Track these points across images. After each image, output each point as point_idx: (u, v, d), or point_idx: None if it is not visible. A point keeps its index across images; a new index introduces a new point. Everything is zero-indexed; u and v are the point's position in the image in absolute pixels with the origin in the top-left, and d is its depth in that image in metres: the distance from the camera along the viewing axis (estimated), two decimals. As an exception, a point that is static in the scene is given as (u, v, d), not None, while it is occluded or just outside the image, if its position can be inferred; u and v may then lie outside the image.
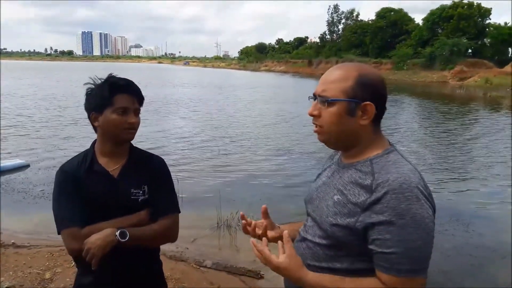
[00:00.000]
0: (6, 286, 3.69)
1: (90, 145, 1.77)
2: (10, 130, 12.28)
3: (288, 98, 23.16)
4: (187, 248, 4.95)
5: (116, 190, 1.67)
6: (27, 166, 8.36)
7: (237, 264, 4.45)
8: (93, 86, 1.68)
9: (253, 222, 1.53)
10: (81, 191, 1.64)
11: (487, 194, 7.39)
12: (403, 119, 16.87)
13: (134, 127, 1.68)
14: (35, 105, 18.44)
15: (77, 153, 1.79)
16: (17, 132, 12.04)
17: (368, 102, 1.21)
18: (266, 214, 1.53)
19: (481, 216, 6.27)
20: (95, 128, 1.71)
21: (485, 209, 6.60)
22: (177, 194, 1.84)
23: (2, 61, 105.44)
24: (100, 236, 1.55)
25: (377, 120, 1.25)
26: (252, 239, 1.27)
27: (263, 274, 4.16)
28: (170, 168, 1.87)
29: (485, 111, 20.02)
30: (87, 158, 1.71)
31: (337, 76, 1.25)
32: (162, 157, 1.90)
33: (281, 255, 1.22)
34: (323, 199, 1.30)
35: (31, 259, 4.34)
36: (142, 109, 1.76)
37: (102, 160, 1.71)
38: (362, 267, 1.20)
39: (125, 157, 1.74)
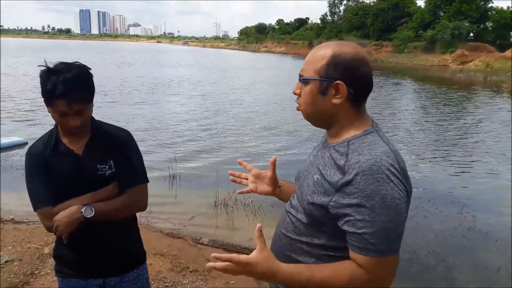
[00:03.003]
0: (5, 260, 3.75)
1: (54, 124, 1.77)
2: (8, 105, 12.25)
3: (287, 80, 23.15)
4: (185, 226, 5.02)
5: (82, 168, 1.72)
6: (25, 143, 8.36)
7: (233, 241, 4.52)
8: (42, 74, 1.62)
9: (251, 168, 1.64)
10: (49, 172, 1.70)
11: (482, 177, 7.44)
12: (402, 102, 16.87)
13: (75, 128, 1.67)
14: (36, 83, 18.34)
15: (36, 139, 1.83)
16: (16, 110, 12.01)
17: (339, 81, 1.21)
18: (272, 166, 1.58)
19: (475, 198, 6.33)
20: None
21: (480, 192, 6.67)
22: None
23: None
24: (66, 213, 1.63)
25: (356, 99, 1.25)
26: (214, 254, 1.21)
27: (259, 252, 4.23)
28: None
29: (484, 95, 19.98)
30: (51, 139, 1.74)
31: (314, 56, 1.27)
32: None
33: (252, 252, 1.19)
34: (306, 178, 1.33)
35: (30, 235, 4.40)
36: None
37: (65, 140, 1.74)
38: (339, 244, 1.22)
39: (88, 134, 1.77)
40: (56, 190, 1.69)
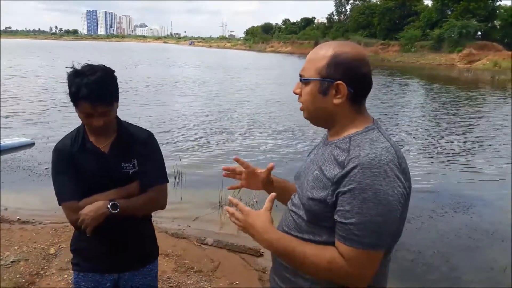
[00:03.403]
0: (11, 260, 3.79)
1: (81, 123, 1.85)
2: (16, 107, 12.36)
3: (292, 80, 22.97)
4: (189, 226, 5.03)
5: (108, 165, 1.81)
6: (32, 144, 8.44)
7: (237, 242, 4.52)
8: (69, 76, 1.71)
9: (248, 165, 1.65)
10: (76, 168, 1.78)
11: (489, 177, 7.39)
12: (408, 101, 16.79)
13: (99, 128, 1.75)
14: (45, 85, 18.48)
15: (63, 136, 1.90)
16: (23, 111, 12.10)
17: (339, 82, 1.23)
18: (267, 171, 1.62)
19: (482, 198, 6.30)
20: None
21: (486, 192, 6.62)
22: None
23: (7, 40, 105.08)
24: (93, 208, 1.71)
25: (356, 99, 1.27)
26: (227, 207, 1.37)
27: (263, 252, 4.24)
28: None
29: (492, 95, 19.82)
30: (78, 137, 1.83)
31: (315, 55, 1.28)
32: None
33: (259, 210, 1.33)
34: (306, 175, 1.34)
35: (36, 235, 4.44)
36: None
37: (92, 138, 1.83)
38: None
39: (114, 133, 1.85)
40: (81, 186, 1.77)
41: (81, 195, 1.76)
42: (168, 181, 1.96)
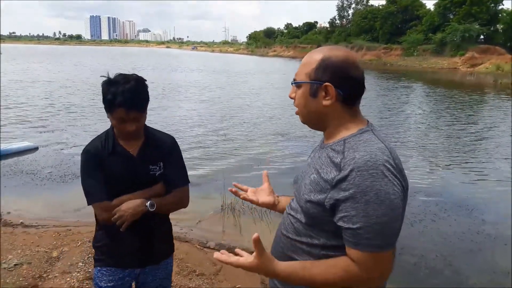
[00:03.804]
0: (14, 263, 3.80)
1: (110, 126, 1.98)
2: (21, 113, 12.42)
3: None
4: (192, 230, 5.04)
5: (136, 168, 1.94)
6: (36, 148, 8.48)
7: (240, 245, 4.52)
8: (103, 84, 1.85)
9: (248, 188, 1.69)
10: (105, 169, 1.90)
11: (492, 180, 7.37)
12: (411, 105, 16.78)
13: (130, 133, 1.88)
14: (49, 90, 18.57)
15: (94, 136, 2.02)
16: (27, 116, 12.16)
17: (327, 84, 1.26)
18: (266, 178, 1.70)
19: (485, 202, 6.27)
20: None
21: (489, 195, 6.60)
22: None
23: (11, 45, 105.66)
24: (131, 205, 1.85)
25: (348, 101, 1.29)
26: (216, 254, 1.28)
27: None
28: None
29: (495, 98, 19.78)
30: (108, 140, 1.94)
31: (306, 60, 1.33)
32: None
33: (251, 256, 1.25)
34: (303, 178, 1.36)
35: (39, 238, 4.46)
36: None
37: (122, 142, 1.95)
38: (337, 243, 1.23)
39: (142, 138, 1.99)
40: (109, 187, 1.88)
41: (110, 196, 1.88)
42: (189, 182, 2.10)
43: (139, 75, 1.91)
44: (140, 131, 1.95)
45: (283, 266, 1.26)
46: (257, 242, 1.24)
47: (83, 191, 1.92)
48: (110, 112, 1.83)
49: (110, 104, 1.80)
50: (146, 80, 1.91)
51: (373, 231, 1.13)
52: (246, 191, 1.67)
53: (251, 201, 1.65)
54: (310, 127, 1.40)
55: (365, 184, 1.12)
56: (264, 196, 1.65)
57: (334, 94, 1.26)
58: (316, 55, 1.30)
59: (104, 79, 1.85)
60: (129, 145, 1.95)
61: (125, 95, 1.77)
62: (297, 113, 1.38)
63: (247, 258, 1.25)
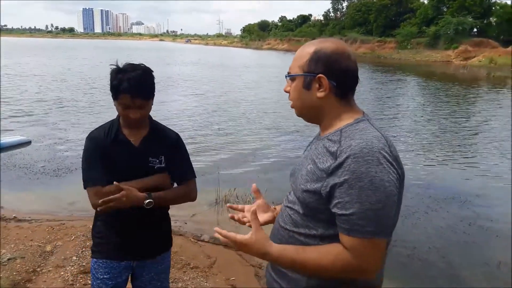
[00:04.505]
0: (8, 258, 3.79)
1: (116, 116, 2.00)
2: (14, 107, 12.32)
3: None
4: (186, 223, 5.04)
5: (136, 158, 1.95)
6: (29, 142, 8.42)
7: (234, 239, 4.53)
8: (112, 72, 1.87)
9: (244, 207, 1.62)
10: (106, 157, 1.91)
11: (485, 172, 7.43)
12: (404, 98, 16.83)
13: (134, 121, 1.90)
14: (41, 84, 18.42)
15: (88, 130, 2.04)
16: (21, 110, 12.07)
17: (320, 75, 1.26)
18: (258, 193, 1.61)
19: (477, 194, 6.32)
20: None
21: (482, 187, 6.66)
22: None
23: (3, 38, 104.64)
24: (133, 196, 1.82)
25: (342, 92, 1.29)
26: (216, 228, 1.31)
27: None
28: None
29: (488, 91, 19.89)
30: (112, 128, 1.97)
31: (299, 53, 1.34)
32: None
33: (248, 233, 1.26)
34: (300, 170, 1.36)
35: (32, 233, 4.43)
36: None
37: (125, 131, 1.97)
38: (335, 233, 1.23)
39: (146, 129, 2.00)
40: (108, 175, 1.87)
41: (107, 183, 1.87)
42: (196, 176, 2.11)
43: (147, 66, 1.93)
44: (144, 120, 1.96)
45: (276, 247, 1.26)
46: (255, 215, 1.28)
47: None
48: (116, 99, 1.86)
49: (116, 89, 1.84)
50: (153, 71, 1.93)
51: (366, 217, 1.13)
52: (242, 210, 1.61)
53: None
54: (305, 121, 1.40)
55: (360, 170, 1.13)
56: (262, 215, 1.57)
57: (327, 85, 1.27)
58: (308, 48, 1.31)
59: (113, 67, 1.89)
60: (132, 135, 1.97)
61: (131, 82, 1.80)
62: (292, 107, 1.38)
63: (244, 235, 1.27)
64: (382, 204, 1.14)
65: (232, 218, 1.60)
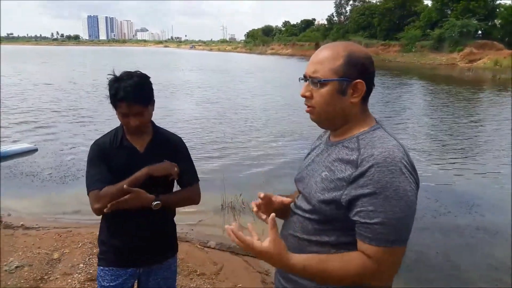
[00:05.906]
0: (15, 265, 3.80)
1: (119, 124, 2.02)
2: (21, 115, 12.40)
3: (292, 82, 22.92)
4: (192, 230, 5.04)
5: (141, 164, 1.94)
6: (35, 150, 8.47)
7: (240, 245, 4.52)
8: (109, 81, 1.90)
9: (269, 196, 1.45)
10: (111, 163, 1.94)
11: (492, 176, 7.37)
12: (409, 101, 16.77)
13: (135, 128, 1.92)
14: (47, 93, 18.54)
15: (103, 134, 2.08)
16: (27, 118, 12.14)
17: (359, 80, 1.25)
18: (267, 198, 1.44)
19: (485, 198, 6.28)
20: None
21: (489, 192, 6.61)
22: None
23: (9, 46, 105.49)
24: (142, 197, 1.86)
25: (366, 98, 1.30)
26: (227, 226, 1.22)
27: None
28: None
29: (493, 94, 19.77)
30: (117, 135, 2.00)
31: (327, 56, 1.27)
32: None
33: (265, 240, 1.19)
34: (312, 176, 1.34)
35: (40, 240, 4.45)
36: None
37: (130, 137, 2.00)
38: (348, 240, 1.23)
39: (150, 135, 2.04)
40: (114, 180, 1.88)
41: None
42: (199, 180, 2.15)
43: (143, 72, 1.95)
44: (145, 127, 1.99)
45: (298, 258, 1.21)
46: (274, 222, 1.20)
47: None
48: (115, 107, 1.89)
49: (113, 99, 1.87)
50: (150, 77, 1.95)
51: (390, 226, 1.14)
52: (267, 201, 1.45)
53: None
54: (321, 126, 1.37)
55: (385, 180, 1.13)
56: (270, 209, 1.41)
57: (363, 91, 1.26)
58: (337, 51, 1.26)
59: (111, 76, 1.90)
60: (137, 141, 2.00)
61: (127, 89, 1.82)
62: (310, 112, 1.33)
63: (261, 242, 1.19)
64: (405, 213, 1.15)
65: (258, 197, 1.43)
